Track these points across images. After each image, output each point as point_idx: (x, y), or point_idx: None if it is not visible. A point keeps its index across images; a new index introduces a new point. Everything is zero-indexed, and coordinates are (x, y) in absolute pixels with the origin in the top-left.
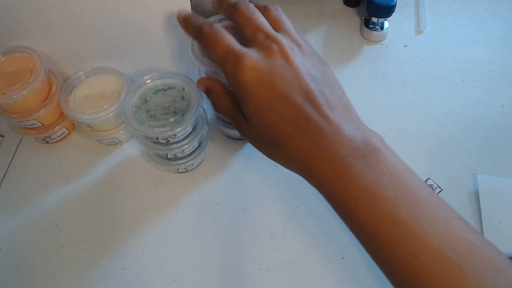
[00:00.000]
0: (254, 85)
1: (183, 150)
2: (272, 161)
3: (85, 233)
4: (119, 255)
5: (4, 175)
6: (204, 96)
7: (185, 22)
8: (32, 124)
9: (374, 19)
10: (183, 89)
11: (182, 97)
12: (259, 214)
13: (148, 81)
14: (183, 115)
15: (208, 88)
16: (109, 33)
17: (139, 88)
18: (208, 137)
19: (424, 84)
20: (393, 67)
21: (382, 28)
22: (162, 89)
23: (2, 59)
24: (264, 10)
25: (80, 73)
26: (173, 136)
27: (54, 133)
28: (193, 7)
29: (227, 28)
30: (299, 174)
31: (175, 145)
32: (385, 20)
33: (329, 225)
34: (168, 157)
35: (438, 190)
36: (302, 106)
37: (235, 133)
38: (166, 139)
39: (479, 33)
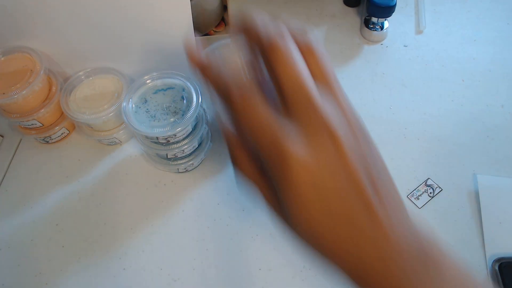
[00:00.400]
0: (301, 186)
1: (183, 150)
2: None
3: (85, 233)
4: (119, 255)
5: (4, 175)
6: (205, 96)
7: (204, 70)
8: (32, 124)
9: (374, 19)
10: (183, 89)
11: (182, 97)
12: (259, 214)
13: (148, 81)
14: (183, 115)
15: (232, 154)
16: (109, 33)
17: (139, 88)
18: (208, 137)
19: (424, 84)
20: (393, 67)
21: (382, 28)
22: (162, 89)
23: (2, 59)
24: (307, 50)
25: (80, 73)
26: (173, 136)
27: (54, 133)
28: (193, 7)
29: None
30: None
31: (175, 145)
32: (385, 20)
33: None
34: (168, 157)
35: (438, 190)
36: (353, 209)
37: None
38: (166, 139)
39: (479, 33)
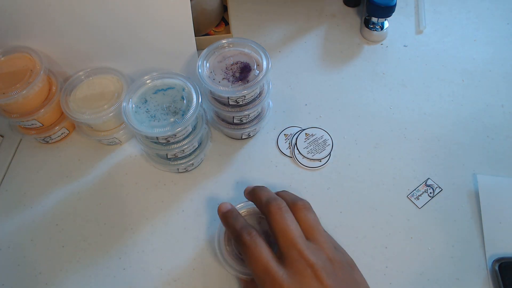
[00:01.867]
0: None
1: (183, 150)
2: (272, 161)
3: (85, 233)
4: (119, 255)
5: (4, 175)
6: (205, 96)
7: (224, 218)
8: (32, 124)
9: (374, 19)
10: (183, 89)
11: (182, 97)
12: None
13: (148, 81)
14: (183, 115)
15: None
16: (109, 33)
17: (139, 88)
18: (208, 137)
19: (424, 84)
20: (393, 67)
21: (382, 28)
22: (162, 89)
23: (2, 59)
24: (295, 209)
25: (80, 73)
26: (173, 136)
27: (54, 133)
28: (193, 7)
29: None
30: None
31: (175, 145)
32: (385, 20)
33: (329, 225)
34: (168, 157)
35: (438, 190)
36: None
37: (235, 133)
38: (166, 139)
39: (479, 33)
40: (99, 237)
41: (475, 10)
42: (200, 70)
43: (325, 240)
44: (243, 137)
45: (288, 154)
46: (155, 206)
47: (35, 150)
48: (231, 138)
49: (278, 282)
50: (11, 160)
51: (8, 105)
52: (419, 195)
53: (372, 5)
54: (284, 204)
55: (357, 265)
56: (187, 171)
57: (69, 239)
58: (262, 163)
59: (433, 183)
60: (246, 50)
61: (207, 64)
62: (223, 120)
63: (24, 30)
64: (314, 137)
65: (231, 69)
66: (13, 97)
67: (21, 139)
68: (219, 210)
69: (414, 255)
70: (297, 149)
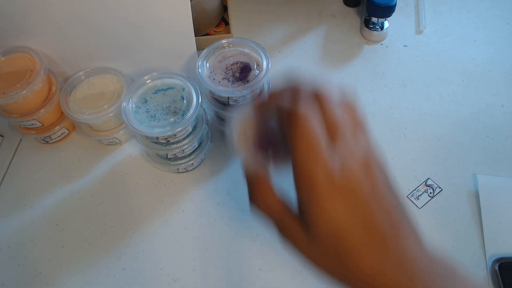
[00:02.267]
0: (336, 209)
1: (183, 150)
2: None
3: (85, 233)
4: (119, 255)
5: (4, 175)
6: (205, 96)
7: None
8: (32, 124)
9: (374, 19)
10: (183, 89)
11: (182, 97)
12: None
13: (148, 81)
14: (183, 115)
15: (253, 181)
16: (110, 33)
17: (139, 88)
18: (208, 137)
19: (424, 84)
20: (393, 67)
21: (382, 28)
22: (162, 89)
23: (2, 59)
24: (343, 104)
25: (80, 73)
26: (173, 136)
27: (54, 133)
28: (193, 7)
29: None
30: None
31: (175, 145)
32: (385, 20)
33: None
34: (168, 157)
35: (438, 190)
36: (383, 235)
37: None
38: (166, 139)
39: (479, 33)
40: (99, 237)
41: (475, 10)
42: (200, 70)
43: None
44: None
45: None
46: (155, 206)
47: (35, 150)
48: None
49: (327, 171)
50: (11, 160)
51: (8, 105)
52: (419, 195)
53: (372, 5)
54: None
55: None
56: (187, 171)
57: (69, 239)
58: None
59: (433, 183)
60: (246, 50)
61: (207, 64)
62: (223, 120)
63: (24, 30)
64: None
65: (231, 69)
66: (13, 97)
67: (21, 139)
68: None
69: None
70: None
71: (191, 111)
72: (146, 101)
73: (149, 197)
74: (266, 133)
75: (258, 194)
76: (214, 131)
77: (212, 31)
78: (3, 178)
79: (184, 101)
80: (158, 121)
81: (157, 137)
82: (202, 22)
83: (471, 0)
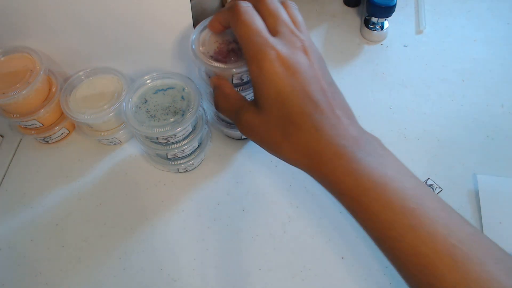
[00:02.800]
0: (279, 74)
1: (183, 150)
2: (272, 161)
3: (85, 233)
4: (119, 255)
5: (4, 175)
6: (205, 96)
7: None
8: (32, 124)
9: (374, 19)
10: (183, 89)
11: (182, 97)
12: (259, 214)
13: (148, 81)
14: (183, 115)
15: (216, 85)
16: (109, 34)
17: (139, 88)
18: (208, 137)
19: (424, 84)
20: (393, 67)
21: (382, 28)
22: (162, 89)
23: (2, 59)
24: (284, 5)
25: (80, 73)
26: (173, 136)
27: (54, 133)
28: (193, 6)
29: None
30: (303, 168)
31: (175, 145)
32: (385, 20)
33: (329, 225)
34: (168, 157)
35: (438, 190)
36: (319, 103)
37: (235, 133)
38: (166, 139)
39: (479, 33)
40: (99, 237)
41: (475, 10)
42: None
43: (308, 34)
44: (243, 137)
45: None
46: (155, 206)
47: (35, 150)
48: (231, 138)
49: (269, 44)
50: (11, 160)
51: (8, 105)
52: None
53: (372, 5)
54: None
55: (357, 265)
56: (187, 171)
57: (69, 239)
58: (262, 163)
59: (433, 183)
60: None
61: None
62: (223, 120)
63: (23, 30)
64: None
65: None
66: (13, 97)
67: (21, 139)
68: None
69: None
70: None
71: (191, 111)
72: (146, 101)
73: (149, 197)
74: (227, 42)
75: (220, 96)
76: (214, 131)
77: None
78: (3, 178)
79: (184, 101)
80: (158, 121)
81: (157, 137)
82: None
83: (471, 0)
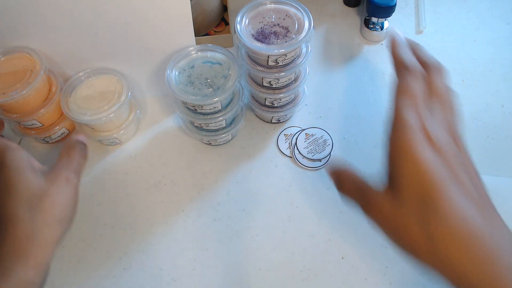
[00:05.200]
0: (425, 145)
1: (208, 124)
2: (272, 161)
3: (85, 233)
4: (119, 255)
5: None
6: (243, 76)
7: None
8: (32, 124)
9: (374, 19)
10: (228, 69)
11: (224, 76)
12: (259, 214)
13: (198, 52)
14: (216, 93)
15: (337, 171)
16: (109, 34)
17: (185, 57)
18: (240, 119)
19: None
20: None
21: (382, 28)
22: (211, 62)
23: (2, 59)
24: (440, 97)
25: (80, 73)
26: (199, 107)
27: (54, 133)
28: (193, 7)
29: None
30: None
31: (201, 116)
32: (385, 20)
33: (329, 225)
34: (195, 125)
35: None
36: (466, 181)
37: (267, 115)
38: (193, 107)
39: (479, 33)
40: (99, 237)
41: (475, 10)
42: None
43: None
44: (273, 121)
45: (288, 154)
46: (155, 206)
47: (35, 150)
48: (263, 120)
49: (421, 121)
50: None
51: (8, 105)
52: None
53: (372, 5)
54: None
55: (357, 265)
56: (210, 144)
57: (69, 239)
58: (262, 163)
59: None
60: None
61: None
62: (257, 100)
63: (23, 31)
64: (314, 137)
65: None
66: (13, 97)
67: (21, 139)
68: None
69: None
70: (297, 149)
71: (223, 93)
72: (193, 66)
73: (149, 197)
74: (271, 24)
75: (341, 182)
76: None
77: (212, 31)
78: None
79: (224, 80)
80: (193, 89)
81: (186, 102)
82: (202, 22)
83: (471, 0)
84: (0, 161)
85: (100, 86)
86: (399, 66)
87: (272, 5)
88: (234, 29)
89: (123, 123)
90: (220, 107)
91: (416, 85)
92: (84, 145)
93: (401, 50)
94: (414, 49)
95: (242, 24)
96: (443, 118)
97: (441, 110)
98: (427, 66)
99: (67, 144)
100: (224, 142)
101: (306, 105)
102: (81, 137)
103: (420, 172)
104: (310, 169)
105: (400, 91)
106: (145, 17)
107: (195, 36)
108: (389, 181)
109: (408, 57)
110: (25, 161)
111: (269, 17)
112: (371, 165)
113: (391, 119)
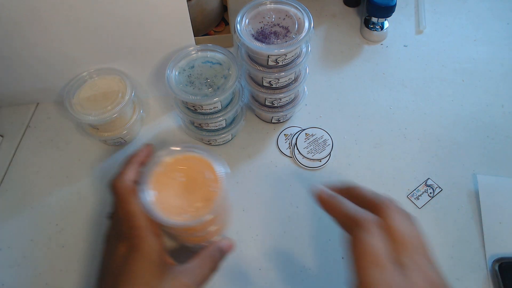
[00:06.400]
0: None
1: (208, 124)
2: (272, 161)
3: (85, 233)
4: None
5: (4, 175)
6: (243, 76)
7: (327, 202)
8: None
9: (374, 19)
10: (228, 69)
11: (224, 76)
12: (259, 214)
13: (198, 52)
14: (215, 93)
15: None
16: (109, 34)
17: (185, 56)
18: (240, 119)
19: (424, 84)
20: (393, 67)
21: (382, 28)
22: (211, 62)
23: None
24: (409, 221)
25: (84, 73)
26: (199, 107)
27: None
28: (193, 7)
29: None
30: None
31: (201, 116)
32: (385, 20)
33: (329, 225)
34: (194, 124)
35: (438, 190)
36: None
37: (266, 115)
38: (193, 106)
39: (479, 33)
40: (99, 237)
41: (475, 10)
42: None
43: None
44: (273, 121)
45: (288, 154)
46: None
47: (35, 150)
48: (263, 120)
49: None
50: (11, 160)
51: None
52: (419, 195)
53: (372, 5)
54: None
55: None
56: (210, 144)
57: (69, 239)
58: (262, 163)
59: (433, 183)
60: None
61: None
62: (256, 100)
63: (24, 31)
64: (314, 137)
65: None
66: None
67: (21, 139)
68: (315, 194)
69: None
70: (297, 149)
71: (222, 94)
72: (193, 67)
73: None
74: (271, 24)
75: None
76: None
77: (212, 31)
78: (3, 178)
79: (224, 81)
80: (193, 88)
81: (186, 102)
82: (202, 22)
83: (471, 0)
84: (135, 246)
85: (103, 86)
86: (345, 222)
87: (272, 5)
88: (234, 29)
89: (127, 123)
90: (220, 107)
91: (376, 242)
92: (223, 256)
93: (337, 203)
94: (350, 192)
95: (242, 24)
96: (420, 276)
97: (416, 266)
98: (376, 207)
99: (209, 249)
100: (224, 142)
101: (306, 105)
102: (226, 246)
103: None
104: (310, 169)
105: (360, 256)
106: (144, 18)
107: (195, 36)
108: None
109: (351, 208)
110: (157, 254)
111: (269, 17)
112: (371, 165)
113: None
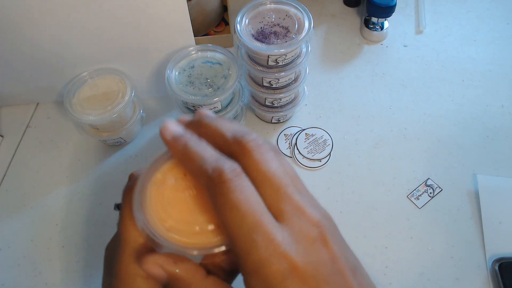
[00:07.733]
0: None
1: None
2: None
3: (85, 234)
4: None
5: (4, 175)
6: (243, 76)
7: (179, 146)
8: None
9: (374, 19)
10: (228, 69)
11: (224, 76)
12: None
13: (198, 52)
14: (216, 93)
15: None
16: (110, 35)
17: (185, 56)
18: (240, 119)
19: (424, 84)
20: (393, 67)
21: (382, 28)
22: (211, 62)
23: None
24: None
25: (84, 73)
26: (199, 107)
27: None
28: (193, 7)
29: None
30: None
31: None
32: (385, 20)
33: None
34: None
35: (438, 190)
36: None
37: (266, 115)
38: (193, 106)
39: (479, 33)
40: (99, 237)
41: (475, 10)
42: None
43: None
44: (273, 121)
45: (288, 154)
46: None
47: (35, 150)
48: (263, 120)
49: (278, 250)
50: (11, 160)
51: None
52: (419, 195)
53: (372, 5)
54: (267, 146)
55: None
56: None
57: (69, 239)
58: None
59: (433, 183)
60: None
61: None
62: (257, 101)
63: (24, 32)
64: (314, 137)
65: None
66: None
67: (21, 139)
68: (163, 132)
69: (414, 255)
70: (297, 149)
71: (222, 94)
72: (193, 67)
73: None
74: (271, 24)
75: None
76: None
77: (212, 31)
78: (3, 178)
79: (224, 81)
80: (193, 88)
81: (186, 102)
82: (202, 22)
83: (471, 0)
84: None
85: (103, 86)
86: (200, 178)
87: (272, 5)
88: (234, 29)
89: (127, 123)
90: (220, 107)
91: (243, 198)
92: None
93: (186, 150)
94: (205, 128)
95: (242, 24)
96: (305, 219)
97: (297, 211)
98: (237, 148)
99: None
100: None
101: (306, 105)
102: None
103: None
104: (310, 169)
105: (229, 222)
106: (144, 18)
107: (195, 36)
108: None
109: (202, 159)
110: None
111: (269, 17)
112: (371, 165)
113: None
